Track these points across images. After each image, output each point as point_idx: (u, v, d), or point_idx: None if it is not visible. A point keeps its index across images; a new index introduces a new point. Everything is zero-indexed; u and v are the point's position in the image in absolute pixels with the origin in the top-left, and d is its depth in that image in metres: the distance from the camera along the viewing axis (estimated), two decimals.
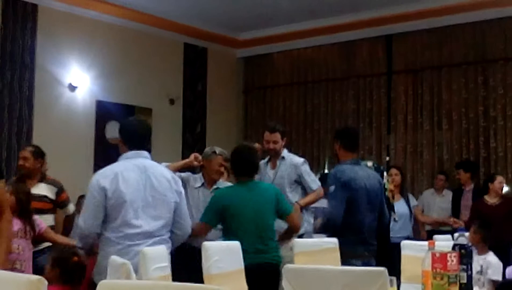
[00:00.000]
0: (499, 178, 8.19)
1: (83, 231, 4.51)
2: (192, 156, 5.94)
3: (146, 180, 4.47)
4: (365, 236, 5.53)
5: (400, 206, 7.58)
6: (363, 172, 5.70)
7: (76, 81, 9.14)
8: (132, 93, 9.87)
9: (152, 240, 4.42)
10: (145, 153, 4.61)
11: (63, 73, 9.05)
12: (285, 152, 6.42)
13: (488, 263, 6.22)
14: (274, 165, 6.40)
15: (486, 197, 8.05)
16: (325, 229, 5.65)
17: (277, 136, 6.31)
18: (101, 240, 4.45)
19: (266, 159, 6.49)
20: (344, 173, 5.52)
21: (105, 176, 4.42)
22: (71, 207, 6.82)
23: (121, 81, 9.70)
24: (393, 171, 7.93)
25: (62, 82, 9.06)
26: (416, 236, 8.44)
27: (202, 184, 5.97)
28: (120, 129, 4.68)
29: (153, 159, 4.67)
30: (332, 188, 5.50)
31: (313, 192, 6.33)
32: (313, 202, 6.36)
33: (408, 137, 9.96)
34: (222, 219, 5.21)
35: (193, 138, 10.58)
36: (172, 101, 10.48)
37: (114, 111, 9.45)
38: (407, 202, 7.85)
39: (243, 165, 5.26)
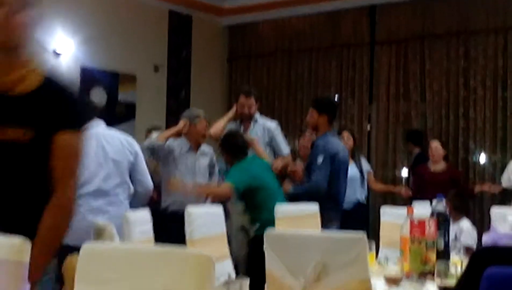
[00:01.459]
0: (433, 143, 8.20)
1: None
2: (181, 123, 6.07)
3: (97, 145, 4.75)
4: (339, 203, 5.81)
5: (350, 169, 7.60)
6: (341, 145, 5.97)
7: (60, 47, 9.11)
8: (116, 60, 9.83)
9: (107, 199, 4.70)
10: (99, 121, 4.94)
11: (47, 39, 9.01)
12: (257, 115, 6.53)
13: (461, 229, 6.34)
14: (246, 127, 6.49)
15: (429, 164, 8.09)
16: (308, 197, 5.73)
17: (252, 100, 6.43)
18: None
19: (238, 121, 6.57)
20: (332, 146, 5.73)
21: None
22: None
23: (106, 48, 9.65)
24: (345, 134, 7.79)
25: (46, 48, 9.02)
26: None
27: (189, 148, 6.11)
28: None
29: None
30: (320, 158, 5.64)
31: (283, 157, 6.47)
32: (285, 167, 6.49)
33: (390, 107, 10.01)
34: (247, 189, 5.59)
35: (177, 105, 10.59)
36: (156, 68, 10.46)
37: (98, 78, 9.45)
38: (359, 166, 7.85)
39: (240, 148, 5.77)
